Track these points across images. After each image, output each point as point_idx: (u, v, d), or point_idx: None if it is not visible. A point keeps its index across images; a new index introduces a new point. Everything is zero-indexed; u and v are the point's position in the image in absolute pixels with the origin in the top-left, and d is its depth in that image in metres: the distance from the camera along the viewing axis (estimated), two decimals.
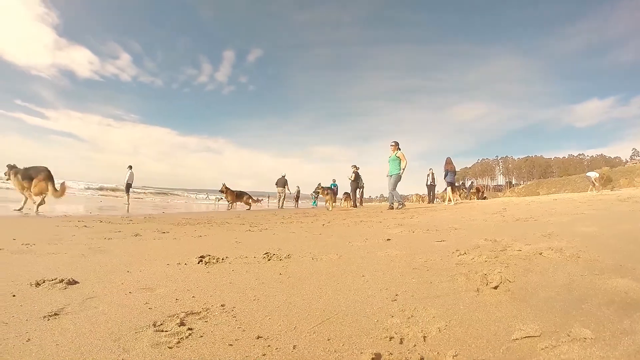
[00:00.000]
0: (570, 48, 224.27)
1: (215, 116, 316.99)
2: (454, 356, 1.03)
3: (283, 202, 18.68)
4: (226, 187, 15.12)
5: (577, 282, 1.66)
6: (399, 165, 10.63)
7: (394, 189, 10.63)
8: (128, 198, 16.46)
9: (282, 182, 18.47)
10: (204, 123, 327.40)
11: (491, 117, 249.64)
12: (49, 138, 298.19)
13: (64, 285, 1.76)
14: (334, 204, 14.97)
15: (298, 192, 24.92)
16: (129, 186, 16.50)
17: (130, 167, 16.65)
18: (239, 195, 15.33)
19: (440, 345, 1.11)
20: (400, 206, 10.25)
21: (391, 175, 10.74)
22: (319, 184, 15.19)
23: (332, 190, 15.43)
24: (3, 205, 8.84)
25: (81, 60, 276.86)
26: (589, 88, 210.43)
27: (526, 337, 1.13)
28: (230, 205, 15.09)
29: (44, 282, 1.79)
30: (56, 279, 1.82)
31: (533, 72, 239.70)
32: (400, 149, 10.81)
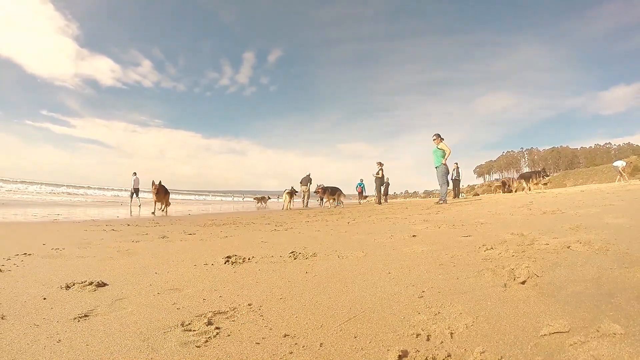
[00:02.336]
0: (595, 32, 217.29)
1: (238, 118, 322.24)
2: (481, 353, 1.02)
3: (308, 201, 18.69)
4: (159, 186, 11.22)
5: (606, 275, 1.62)
6: (443, 157, 10.53)
7: (443, 182, 10.56)
8: (131, 202, 17.23)
9: (307, 181, 18.48)
10: (228, 125, 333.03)
11: (518, 108, 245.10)
12: (76, 146, 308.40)
13: (94, 287, 1.83)
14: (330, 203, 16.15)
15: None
16: (136, 191, 17.40)
17: (135, 173, 17.58)
18: (166, 193, 11.54)
19: (467, 341, 1.11)
20: (441, 201, 10.13)
21: (437, 168, 10.67)
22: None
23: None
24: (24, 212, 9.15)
25: (103, 69, 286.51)
26: (615, 73, 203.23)
27: (554, 332, 1.11)
28: (161, 206, 11.45)
29: (73, 284, 1.86)
30: (86, 281, 1.89)
31: (558, 59, 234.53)
32: (442, 141, 10.69)
